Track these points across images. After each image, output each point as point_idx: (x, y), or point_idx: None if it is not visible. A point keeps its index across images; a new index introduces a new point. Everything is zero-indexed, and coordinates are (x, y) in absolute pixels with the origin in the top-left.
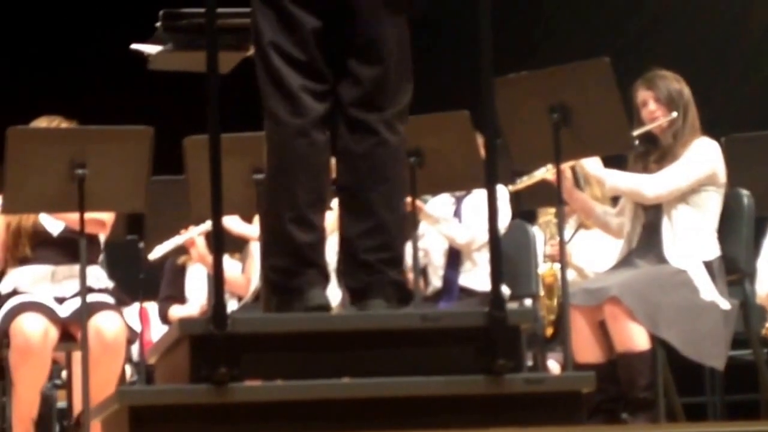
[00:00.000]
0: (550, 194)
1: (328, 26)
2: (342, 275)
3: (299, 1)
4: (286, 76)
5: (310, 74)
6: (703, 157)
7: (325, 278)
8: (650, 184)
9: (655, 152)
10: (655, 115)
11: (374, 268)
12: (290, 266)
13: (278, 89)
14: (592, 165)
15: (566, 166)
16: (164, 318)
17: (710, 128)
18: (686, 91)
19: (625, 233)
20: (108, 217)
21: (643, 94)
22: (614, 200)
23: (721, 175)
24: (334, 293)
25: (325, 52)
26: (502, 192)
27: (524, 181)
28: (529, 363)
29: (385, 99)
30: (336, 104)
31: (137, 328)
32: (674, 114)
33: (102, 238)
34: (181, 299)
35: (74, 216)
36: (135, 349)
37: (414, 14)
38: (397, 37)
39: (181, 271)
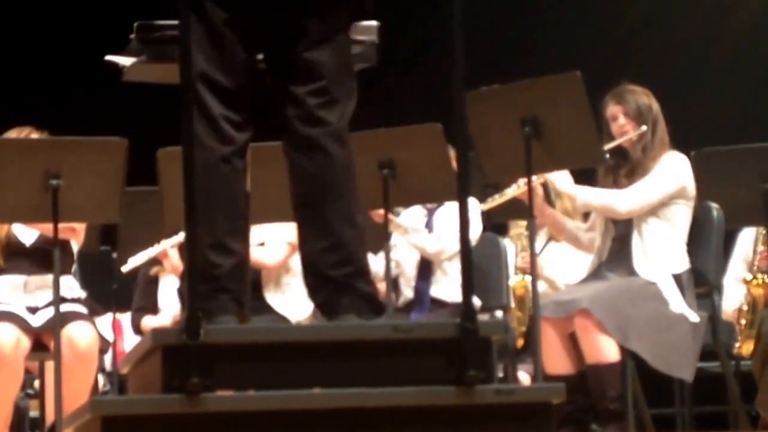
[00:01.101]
0: (521, 207)
1: (266, 53)
2: (310, 291)
3: (235, 28)
4: (210, 105)
5: (233, 104)
6: (673, 171)
7: (239, 305)
8: (622, 200)
9: (625, 166)
10: (624, 129)
11: (341, 283)
12: (204, 291)
13: (202, 116)
14: (563, 182)
15: (537, 183)
16: (137, 328)
17: (683, 143)
18: (655, 106)
19: (595, 247)
20: (78, 226)
21: (612, 109)
22: (586, 214)
23: (691, 188)
24: (304, 304)
25: (256, 77)
26: (474, 204)
27: (496, 200)
28: (500, 374)
29: (328, 113)
30: (282, 123)
31: (110, 337)
32: (644, 128)
33: (75, 248)
34: (153, 310)
35: (47, 224)
36: (108, 358)
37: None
38: (335, 56)
39: (153, 281)
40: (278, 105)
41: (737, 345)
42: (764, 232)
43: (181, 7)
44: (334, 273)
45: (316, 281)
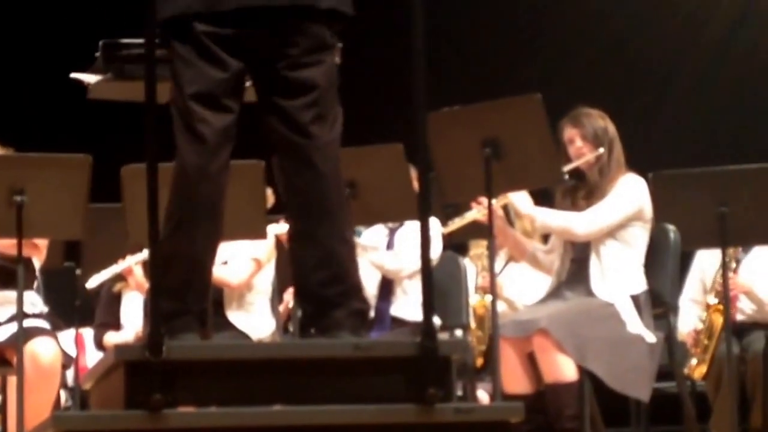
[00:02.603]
0: (482, 228)
1: (254, 67)
2: (301, 306)
3: (222, 43)
4: (203, 121)
5: (224, 110)
6: (631, 194)
7: (201, 323)
8: (580, 222)
9: (583, 188)
10: (581, 151)
11: (333, 301)
12: (171, 308)
13: (190, 132)
14: (523, 203)
15: (498, 205)
16: (99, 344)
17: (643, 165)
18: (611, 128)
19: (555, 268)
20: (42, 240)
21: (569, 132)
22: (545, 235)
23: (648, 210)
24: (266, 322)
25: (243, 88)
26: (434, 224)
27: (456, 223)
28: (459, 393)
29: (318, 128)
30: (271, 133)
31: (72, 353)
32: (601, 150)
33: (37, 264)
34: (116, 326)
35: (8, 240)
36: (70, 374)
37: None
38: (325, 73)
39: (116, 297)
40: (266, 120)
41: (690, 366)
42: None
43: (147, 26)
44: (325, 291)
45: (306, 298)
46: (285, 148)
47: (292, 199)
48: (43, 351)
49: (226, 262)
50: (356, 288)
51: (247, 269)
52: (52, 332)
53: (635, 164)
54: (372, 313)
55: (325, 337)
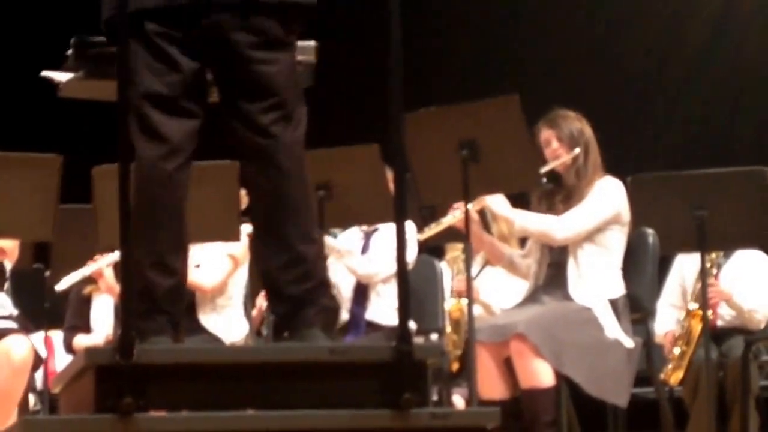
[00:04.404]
0: (458, 231)
1: (212, 67)
2: (271, 308)
3: (179, 44)
4: (158, 122)
5: (182, 113)
6: (609, 197)
7: (174, 327)
8: (558, 227)
9: (560, 192)
10: (557, 153)
11: (303, 299)
12: (142, 310)
13: (146, 133)
14: (500, 205)
15: (474, 210)
16: (69, 347)
17: (624, 169)
18: (587, 130)
19: (532, 273)
20: (11, 244)
21: (546, 133)
22: (522, 240)
23: (626, 214)
24: (239, 326)
25: (205, 89)
26: (410, 227)
27: (432, 229)
28: (435, 398)
29: (281, 129)
30: (234, 136)
31: (42, 354)
32: (577, 150)
33: (8, 266)
34: (86, 329)
35: None
36: (39, 377)
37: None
38: (285, 71)
39: (86, 300)
40: (229, 121)
41: (666, 371)
42: (709, 264)
43: (120, 27)
44: (294, 290)
45: (276, 298)
46: (248, 149)
47: (256, 198)
48: (16, 348)
49: (198, 266)
50: (325, 286)
51: (221, 270)
52: (24, 332)
53: (617, 169)
54: (347, 317)
55: (298, 338)
